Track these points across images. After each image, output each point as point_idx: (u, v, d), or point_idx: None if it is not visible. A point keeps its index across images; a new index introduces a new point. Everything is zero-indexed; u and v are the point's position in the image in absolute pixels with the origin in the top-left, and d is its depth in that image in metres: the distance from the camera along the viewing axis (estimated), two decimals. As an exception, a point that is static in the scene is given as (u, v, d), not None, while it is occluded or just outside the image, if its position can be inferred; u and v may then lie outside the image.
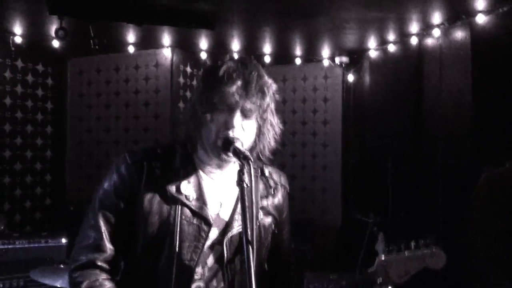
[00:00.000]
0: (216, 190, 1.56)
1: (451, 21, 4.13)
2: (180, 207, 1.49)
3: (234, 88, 1.40)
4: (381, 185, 4.95)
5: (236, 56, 1.54)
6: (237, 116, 1.42)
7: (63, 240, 4.15)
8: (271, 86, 1.48)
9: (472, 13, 3.84)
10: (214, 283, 1.53)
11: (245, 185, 1.30)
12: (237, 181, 1.31)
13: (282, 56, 5.60)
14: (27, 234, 4.88)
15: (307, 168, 5.94)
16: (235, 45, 5.21)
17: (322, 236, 5.75)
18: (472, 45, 3.90)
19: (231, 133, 1.41)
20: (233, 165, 1.55)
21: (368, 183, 5.35)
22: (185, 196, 1.49)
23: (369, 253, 4.69)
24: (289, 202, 1.76)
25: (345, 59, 5.66)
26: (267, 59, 5.50)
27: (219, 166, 1.55)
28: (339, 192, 5.74)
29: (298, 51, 5.58)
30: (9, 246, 3.97)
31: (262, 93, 1.44)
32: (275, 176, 1.69)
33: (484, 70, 3.80)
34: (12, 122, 5.13)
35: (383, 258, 1.70)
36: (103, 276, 1.48)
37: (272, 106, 1.51)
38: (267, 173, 1.65)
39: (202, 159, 1.55)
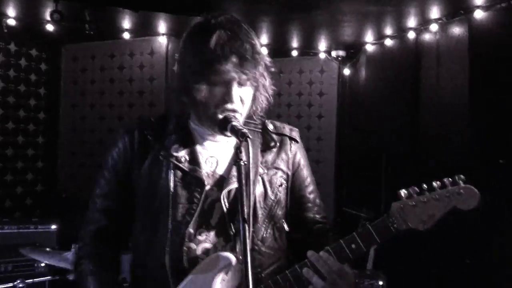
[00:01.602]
0: (212, 148, 1.56)
1: (449, 16, 4.11)
2: (172, 171, 1.50)
3: (229, 65, 1.39)
4: (375, 180, 4.94)
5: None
6: (235, 89, 1.43)
7: (53, 226, 4.10)
8: (262, 51, 1.49)
9: (471, 8, 3.83)
10: (222, 242, 1.51)
11: (242, 163, 1.28)
12: (234, 159, 1.31)
13: (279, 48, 5.55)
14: (16, 219, 4.84)
15: (300, 162, 5.91)
16: (232, 35, 5.16)
17: (314, 229, 5.75)
18: (470, 41, 3.89)
19: (230, 106, 1.42)
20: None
21: (362, 178, 5.34)
22: (176, 158, 1.51)
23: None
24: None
25: (341, 53, 5.64)
26: (263, 51, 5.45)
27: None
28: (332, 186, 5.72)
29: (294, 43, 5.54)
30: (-2, 230, 3.94)
31: (256, 62, 1.44)
32: (282, 130, 1.66)
33: (482, 67, 3.78)
34: (4, 107, 5.07)
35: (398, 202, 1.41)
36: (104, 248, 1.57)
37: (263, 69, 1.50)
38: (270, 127, 1.63)
39: (197, 123, 1.56)
